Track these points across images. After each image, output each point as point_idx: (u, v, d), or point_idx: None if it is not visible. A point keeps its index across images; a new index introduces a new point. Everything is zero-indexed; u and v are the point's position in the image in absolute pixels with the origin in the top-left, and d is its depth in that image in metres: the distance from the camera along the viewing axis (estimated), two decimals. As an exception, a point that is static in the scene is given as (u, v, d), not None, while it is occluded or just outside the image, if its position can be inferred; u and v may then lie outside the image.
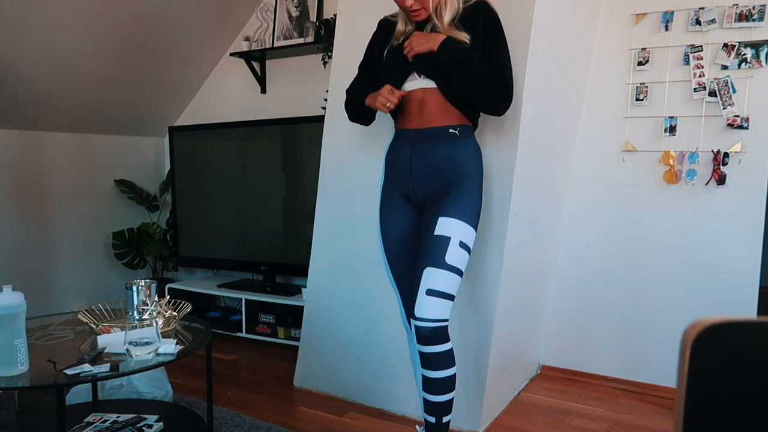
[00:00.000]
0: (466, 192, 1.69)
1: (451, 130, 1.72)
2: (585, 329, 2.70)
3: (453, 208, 1.66)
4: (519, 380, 2.60)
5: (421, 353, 1.67)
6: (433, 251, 1.64)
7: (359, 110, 1.90)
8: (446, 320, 1.66)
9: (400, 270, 1.83)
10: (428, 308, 1.62)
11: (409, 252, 1.80)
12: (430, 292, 1.62)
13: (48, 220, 3.39)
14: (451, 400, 1.71)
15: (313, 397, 2.50)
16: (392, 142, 1.85)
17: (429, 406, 1.70)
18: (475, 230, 1.70)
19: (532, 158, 2.20)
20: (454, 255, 1.63)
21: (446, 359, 1.66)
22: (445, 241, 1.63)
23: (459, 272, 1.66)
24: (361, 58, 1.97)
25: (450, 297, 1.65)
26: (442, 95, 1.72)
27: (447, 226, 1.64)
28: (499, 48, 1.72)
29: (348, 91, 1.96)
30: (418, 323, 1.64)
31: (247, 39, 3.52)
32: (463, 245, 1.65)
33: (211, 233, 3.58)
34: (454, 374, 1.70)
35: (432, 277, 1.62)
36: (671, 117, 2.47)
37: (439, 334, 1.64)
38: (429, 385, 1.68)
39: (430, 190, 1.75)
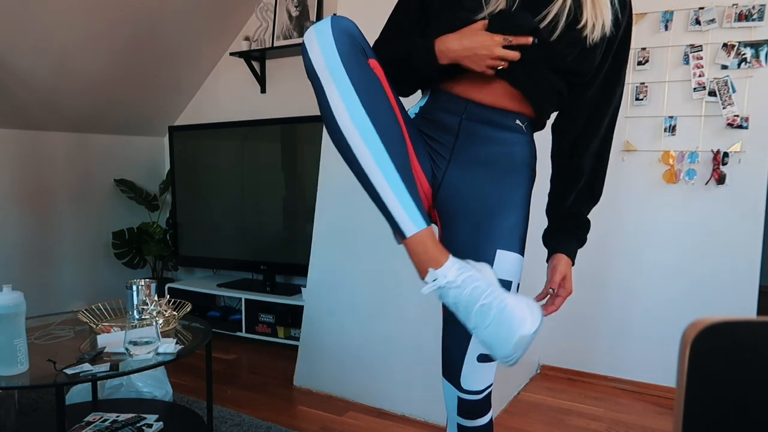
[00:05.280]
0: (525, 208, 1.21)
1: (518, 121, 1.19)
2: (584, 329, 2.71)
3: (513, 235, 1.16)
4: (519, 380, 2.60)
5: (459, 426, 1.24)
6: None
7: (398, 65, 1.14)
8: (493, 382, 1.24)
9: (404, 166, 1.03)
10: (480, 378, 1.18)
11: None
12: (483, 358, 1.15)
13: (48, 220, 3.39)
14: None
15: (313, 397, 2.50)
16: (425, 106, 1.21)
17: None
18: None
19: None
20: None
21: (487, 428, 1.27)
22: (505, 287, 1.05)
23: None
24: None
25: None
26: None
27: (508, 265, 1.14)
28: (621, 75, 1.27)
29: (376, 44, 1.25)
30: (466, 396, 1.20)
31: (246, 39, 3.52)
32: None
33: (211, 233, 3.58)
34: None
35: None
36: (671, 117, 2.47)
37: (487, 403, 1.24)
38: None
39: (476, 191, 1.18)
